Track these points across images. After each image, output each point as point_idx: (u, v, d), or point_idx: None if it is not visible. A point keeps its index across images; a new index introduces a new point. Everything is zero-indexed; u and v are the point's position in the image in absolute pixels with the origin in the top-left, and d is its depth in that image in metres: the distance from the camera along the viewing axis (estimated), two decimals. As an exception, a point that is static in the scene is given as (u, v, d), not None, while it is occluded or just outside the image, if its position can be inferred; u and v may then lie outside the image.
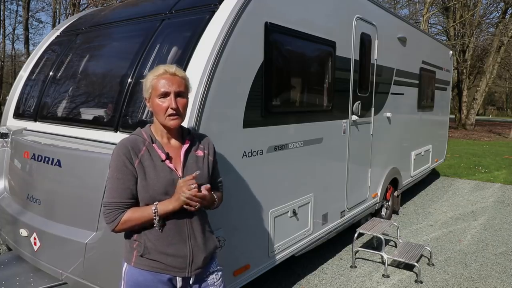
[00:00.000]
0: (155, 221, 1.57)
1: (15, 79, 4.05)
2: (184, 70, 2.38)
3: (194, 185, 1.54)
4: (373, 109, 4.49)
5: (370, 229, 4.15)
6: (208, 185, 1.64)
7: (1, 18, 21.96)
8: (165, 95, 1.60)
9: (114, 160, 1.61)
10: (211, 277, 1.78)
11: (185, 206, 1.57)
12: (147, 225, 1.61)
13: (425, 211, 6.02)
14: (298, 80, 3.22)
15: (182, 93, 1.64)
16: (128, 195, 1.59)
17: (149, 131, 1.69)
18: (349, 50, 3.88)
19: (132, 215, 1.58)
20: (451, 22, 20.70)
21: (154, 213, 1.56)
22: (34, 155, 2.87)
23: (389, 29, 4.80)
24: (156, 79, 1.62)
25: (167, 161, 1.63)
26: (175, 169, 1.64)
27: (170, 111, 1.60)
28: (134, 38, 3.01)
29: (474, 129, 21.57)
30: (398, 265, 4.03)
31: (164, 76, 1.62)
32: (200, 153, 1.75)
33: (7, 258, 3.02)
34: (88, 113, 2.93)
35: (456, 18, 20.66)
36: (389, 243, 4.62)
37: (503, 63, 24.37)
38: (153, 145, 1.65)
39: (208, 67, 2.34)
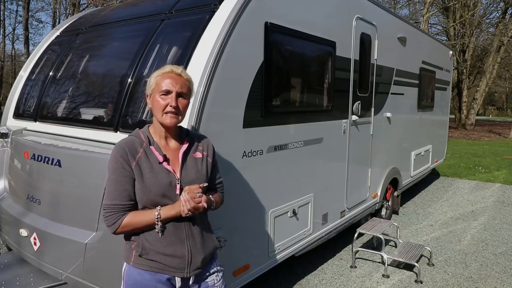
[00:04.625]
0: (157, 227, 1.58)
1: (15, 79, 4.05)
2: (184, 70, 2.38)
3: (200, 194, 1.56)
4: (373, 109, 4.49)
5: (370, 229, 4.15)
6: (206, 183, 1.66)
7: (1, 18, 21.97)
8: (167, 93, 1.60)
9: (112, 162, 1.61)
10: (210, 277, 1.77)
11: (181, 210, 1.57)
12: (147, 228, 1.60)
13: (425, 211, 6.02)
14: (298, 80, 3.22)
15: (184, 94, 1.64)
16: (127, 197, 1.59)
17: (146, 132, 1.68)
18: (349, 50, 3.88)
19: (133, 219, 1.58)
20: (451, 22, 20.70)
21: (157, 218, 1.56)
22: (34, 155, 2.87)
23: (389, 29, 4.80)
24: (160, 77, 1.62)
25: (165, 163, 1.62)
26: (173, 171, 1.63)
27: (169, 108, 1.59)
28: (134, 38, 3.01)
29: (474, 129, 21.57)
30: (398, 265, 4.03)
31: (169, 75, 1.62)
32: (198, 154, 1.73)
33: (7, 258, 3.02)
34: (88, 113, 2.93)
35: (456, 18, 20.67)
36: (389, 243, 4.62)
37: (503, 63, 24.38)
38: (151, 147, 1.64)
39: (208, 67, 2.34)
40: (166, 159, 1.63)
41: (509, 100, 49.29)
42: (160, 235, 1.60)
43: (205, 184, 1.65)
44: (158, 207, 1.58)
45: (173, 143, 1.70)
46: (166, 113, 1.60)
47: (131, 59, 2.82)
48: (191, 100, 2.23)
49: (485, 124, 27.10)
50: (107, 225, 1.60)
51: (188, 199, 1.55)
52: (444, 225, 5.32)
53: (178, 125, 1.71)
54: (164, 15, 2.94)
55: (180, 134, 1.74)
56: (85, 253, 2.40)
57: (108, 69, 3.13)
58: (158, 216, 1.56)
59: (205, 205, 1.59)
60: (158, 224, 1.57)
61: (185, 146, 1.70)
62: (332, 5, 3.64)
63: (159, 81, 1.62)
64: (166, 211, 1.58)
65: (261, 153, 2.82)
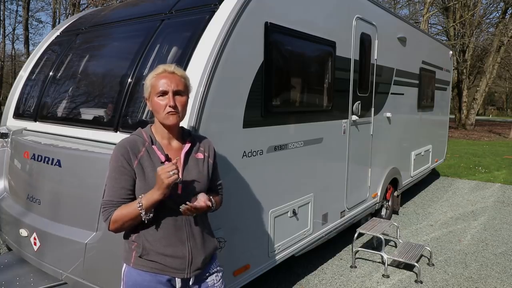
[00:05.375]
0: (142, 215, 1.54)
1: (15, 79, 4.05)
2: (184, 70, 2.37)
3: (173, 171, 1.48)
4: (373, 109, 4.49)
5: (370, 229, 4.15)
6: (178, 157, 1.63)
7: (1, 18, 21.98)
8: (164, 93, 1.61)
9: (113, 160, 1.62)
10: (210, 278, 1.77)
11: (181, 210, 1.56)
12: (137, 221, 1.58)
13: (425, 211, 6.02)
14: (298, 80, 3.22)
15: (181, 91, 1.64)
16: (123, 195, 1.59)
17: (149, 132, 1.69)
18: (349, 50, 3.88)
19: (121, 212, 1.57)
20: (451, 22, 20.70)
21: (139, 207, 1.53)
22: (34, 155, 2.87)
23: (389, 29, 4.80)
24: (155, 78, 1.63)
25: (167, 163, 1.62)
26: None
27: (168, 109, 1.60)
28: (134, 38, 3.01)
29: (474, 129, 21.57)
30: (398, 265, 4.03)
31: (162, 75, 1.62)
32: (200, 155, 1.74)
33: (7, 258, 3.02)
34: (88, 113, 2.93)
35: (456, 18, 20.67)
36: (389, 243, 4.62)
37: (503, 63, 24.38)
38: (153, 146, 1.65)
39: (208, 67, 2.34)
40: (168, 158, 1.64)
41: (509, 100, 49.29)
42: (153, 227, 1.59)
43: (177, 158, 1.59)
44: (140, 196, 1.55)
45: (175, 143, 1.71)
46: (166, 113, 1.61)
47: (131, 59, 2.82)
48: (191, 98, 2.23)
49: (485, 124, 27.10)
50: (103, 220, 1.62)
51: (188, 207, 1.53)
52: (444, 225, 5.32)
53: (180, 126, 1.71)
54: (164, 15, 2.94)
55: (182, 135, 1.74)
56: (85, 253, 2.40)
57: (108, 69, 3.13)
58: (140, 204, 1.53)
59: (209, 203, 1.59)
60: (142, 212, 1.54)
61: (187, 146, 1.71)
62: (332, 5, 3.64)
63: (154, 83, 1.62)
64: (148, 197, 1.53)
65: (261, 153, 2.82)
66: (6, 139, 3.39)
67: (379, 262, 4.10)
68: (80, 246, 2.42)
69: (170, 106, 1.59)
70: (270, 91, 2.82)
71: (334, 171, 3.83)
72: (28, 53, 19.71)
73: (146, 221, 1.57)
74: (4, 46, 23.15)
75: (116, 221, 1.58)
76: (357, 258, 4.18)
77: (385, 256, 3.84)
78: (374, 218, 4.68)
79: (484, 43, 23.55)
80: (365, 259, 4.19)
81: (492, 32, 21.46)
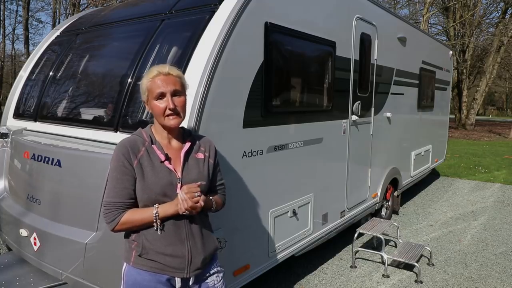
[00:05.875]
0: (156, 225, 1.58)
1: (15, 79, 4.05)
2: (184, 70, 2.38)
3: (198, 193, 1.54)
4: (373, 109, 4.49)
5: (370, 229, 4.15)
6: (203, 181, 1.65)
7: (1, 18, 21.98)
8: (162, 96, 1.60)
9: (114, 160, 1.62)
10: (211, 278, 1.77)
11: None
12: (145, 226, 1.61)
13: (425, 211, 6.02)
14: (298, 80, 3.22)
15: (179, 91, 1.63)
16: (127, 196, 1.59)
17: (149, 131, 1.69)
18: (349, 50, 3.88)
19: (132, 216, 1.59)
20: (451, 22, 20.70)
21: (155, 216, 1.56)
22: (34, 155, 2.87)
23: (389, 29, 4.80)
24: (150, 82, 1.62)
25: (166, 162, 1.63)
26: (175, 171, 1.63)
27: (168, 111, 1.60)
28: (134, 38, 3.01)
29: (474, 129, 21.57)
30: (398, 265, 4.03)
31: (158, 77, 1.61)
32: (200, 155, 1.74)
33: (7, 258, 3.02)
34: (88, 113, 2.93)
35: (456, 18, 20.67)
36: (389, 243, 4.62)
37: (503, 63, 24.39)
38: (153, 146, 1.65)
39: (208, 67, 2.34)
40: (167, 158, 1.64)
41: (509, 100, 49.29)
42: (159, 233, 1.60)
43: (203, 182, 1.64)
44: (156, 205, 1.58)
45: (175, 142, 1.71)
46: (166, 116, 1.61)
47: (131, 59, 2.82)
48: (192, 98, 2.24)
49: (485, 124, 27.10)
50: (106, 222, 1.61)
51: (185, 198, 1.54)
52: (444, 225, 5.32)
53: (180, 126, 1.71)
54: (164, 15, 2.94)
55: (182, 135, 1.74)
56: (85, 253, 2.40)
57: (108, 69, 3.13)
58: (156, 214, 1.57)
59: (202, 203, 1.58)
60: (156, 222, 1.57)
61: (187, 146, 1.71)
62: (332, 5, 3.64)
63: (150, 86, 1.62)
64: (164, 209, 1.58)
65: (261, 153, 2.82)
66: (6, 139, 3.39)
67: (379, 262, 4.10)
68: (80, 246, 2.42)
69: (170, 109, 1.59)
70: (270, 91, 2.82)
71: (334, 171, 3.83)
72: (28, 53, 19.72)
73: (157, 230, 1.59)
74: (4, 46, 23.18)
75: (125, 223, 1.59)
76: (357, 258, 4.18)
77: (385, 256, 3.84)
78: (374, 218, 4.68)
79: (484, 43, 23.55)
80: (365, 259, 4.19)
81: (492, 32, 21.47)
